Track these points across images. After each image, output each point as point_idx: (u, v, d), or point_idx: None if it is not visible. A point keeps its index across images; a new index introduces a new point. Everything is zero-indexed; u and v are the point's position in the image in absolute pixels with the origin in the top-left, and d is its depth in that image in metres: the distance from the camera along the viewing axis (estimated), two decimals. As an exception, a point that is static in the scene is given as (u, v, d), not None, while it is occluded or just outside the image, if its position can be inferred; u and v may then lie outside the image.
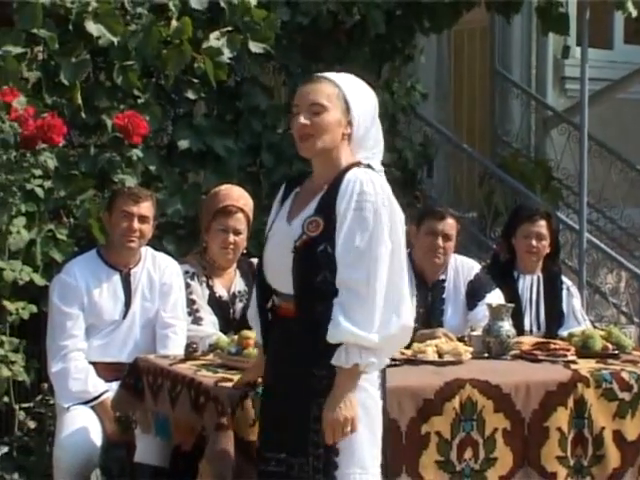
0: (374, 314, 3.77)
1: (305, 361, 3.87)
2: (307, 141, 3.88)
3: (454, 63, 10.64)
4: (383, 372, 3.99)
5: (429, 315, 5.71)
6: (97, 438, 5.17)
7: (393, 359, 4.93)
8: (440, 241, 5.68)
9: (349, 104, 3.92)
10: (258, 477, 4.02)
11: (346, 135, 3.92)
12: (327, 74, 4.02)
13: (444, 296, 5.79)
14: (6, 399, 5.64)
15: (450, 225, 5.72)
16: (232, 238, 5.44)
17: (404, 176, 7.74)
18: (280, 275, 3.92)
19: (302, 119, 3.87)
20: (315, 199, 3.91)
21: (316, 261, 3.83)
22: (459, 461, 4.63)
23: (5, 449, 5.71)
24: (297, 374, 3.88)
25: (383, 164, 7.35)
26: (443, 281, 5.80)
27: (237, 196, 5.54)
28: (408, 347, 5.13)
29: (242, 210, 5.48)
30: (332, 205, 3.83)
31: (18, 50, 5.77)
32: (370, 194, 3.82)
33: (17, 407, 5.73)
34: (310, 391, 3.86)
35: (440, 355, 4.98)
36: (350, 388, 3.80)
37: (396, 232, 3.87)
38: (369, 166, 3.93)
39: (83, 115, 5.97)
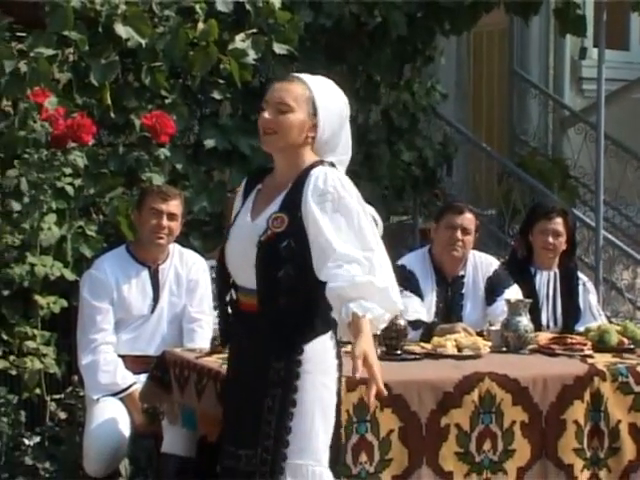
0: (375, 280, 3.71)
1: (266, 354, 3.83)
2: (269, 136, 3.88)
3: (473, 64, 10.63)
4: (340, 369, 3.93)
5: (448, 310, 5.70)
6: (125, 429, 5.18)
7: (413, 353, 4.95)
8: (459, 234, 5.67)
9: (316, 108, 3.89)
10: (221, 473, 3.99)
11: (310, 138, 3.89)
12: (302, 75, 4.00)
13: (463, 292, 5.77)
14: (38, 391, 5.66)
15: (469, 219, 5.71)
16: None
17: (424, 174, 7.73)
18: (243, 270, 3.89)
19: (266, 115, 3.87)
20: (279, 196, 3.88)
21: (280, 256, 3.80)
22: (478, 452, 4.62)
23: (37, 439, 5.73)
24: (257, 367, 3.85)
25: (404, 162, 7.43)
26: (462, 277, 5.78)
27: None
28: (428, 341, 5.14)
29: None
30: (297, 202, 3.80)
31: (50, 52, 5.78)
32: (335, 188, 3.79)
33: (48, 398, 5.75)
34: (266, 382, 3.83)
35: (459, 349, 4.97)
36: (371, 340, 3.72)
37: (367, 214, 3.84)
38: (332, 164, 3.91)
39: (112, 115, 5.98)
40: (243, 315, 3.96)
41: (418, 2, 7.13)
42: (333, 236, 3.73)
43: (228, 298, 4.01)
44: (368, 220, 3.82)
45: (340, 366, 3.92)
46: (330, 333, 3.89)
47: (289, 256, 3.80)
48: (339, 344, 3.93)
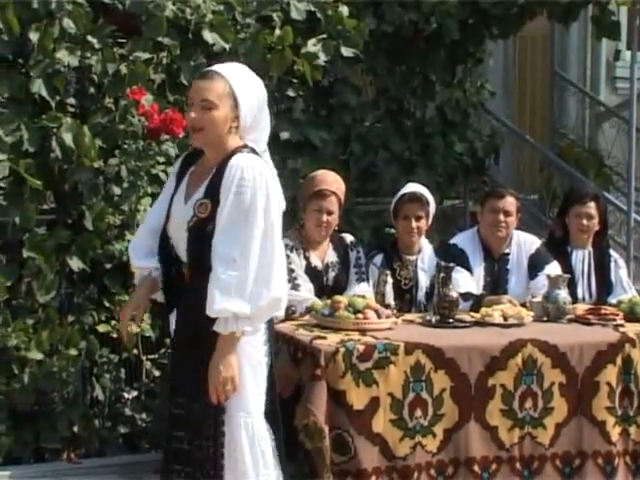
0: (246, 288, 3.69)
1: (203, 321, 3.78)
2: (198, 133, 3.83)
3: (518, 65, 10.52)
4: (270, 331, 3.93)
5: (495, 284, 5.67)
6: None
7: (464, 321, 4.93)
8: (501, 217, 5.64)
9: (237, 100, 3.84)
10: (169, 420, 3.99)
11: (233, 127, 3.85)
12: (219, 69, 3.90)
13: (508, 267, 5.73)
14: (135, 351, 5.72)
15: (509, 202, 5.67)
16: (325, 217, 5.42)
17: (474, 163, 7.66)
18: (180, 248, 3.90)
19: (193, 114, 3.82)
20: (205, 181, 3.85)
21: (207, 239, 3.76)
22: (521, 410, 4.61)
23: (135, 393, 5.79)
24: (198, 331, 3.83)
25: (456, 152, 7.38)
26: (507, 254, 5.74)
27: (331, 181, 5.52)
28: (477, 311, 5.12)
29: (335, 194, 5.45)
30: (218, 188, 3.77)
31: (146, 56, 5.80)
32: (249, 180, 3.74)
33: (144, 358, 5.80)
34: (209, 346, 3.79)
35: (505, 318, 4.95)
36: (229, 351, 3.74)
37: (269, 214, 3.78)
38: (253, 150, 3.87)
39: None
40: (185, 284, 3.93)
41: (470, 10, 7.07)
42: (222, 230, 3.71)
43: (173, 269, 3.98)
44: (270, 208, 3.76)
45: (268, 328, 3.91)
46: None
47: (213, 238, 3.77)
48: None
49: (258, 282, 3.72)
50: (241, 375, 3.82)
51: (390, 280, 5.45)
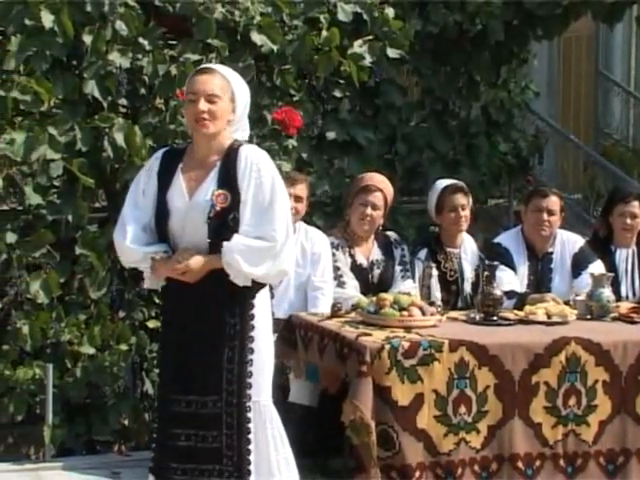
0: (266, 260, 3.84)
1: (220, 312, 3.86)
2: (203, 125, 3.89)
3: (563, 65, 10.47)
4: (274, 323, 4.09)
5: (539, 282, 5.64)
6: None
7: (508, 319, 4.92)
8: (545, 216, 5.60)
9: (234, 95, 3.96)
10: (169, 418, 3.93)
11: (228, 121, 3.95)
12: (216, 66, 4.07)
13: (552, 266, 5.70)
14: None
15: (553, 202, 5.64)
16: (370, 211, 5.43)
17: (518, 163, 7.64)
18: (195, 242, 3.90)
19: (202, 105, 3.87)
20: (210, 174, 3.91)
21: (228, 227, 3.84)
22: (564, 407, 4.58)
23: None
24: (210, 323, 3.88)
25: (500, 152, 7.35)
26: (551, 253, 5.71)
27: (379, 179, 5.55)
28: (521, 309, 5.10)
29: (381, 190, 5.47)
30: (234, 178, 3.87)
31: (196, 57, 5.84)
32: (266, 168, 3.91)
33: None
34: (223, 336, 3.86)
35: (549, 316, 4.92)
36: (211, 267, 3.85)
37: (284, 196, 3.97)
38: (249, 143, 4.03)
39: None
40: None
41: (514, 11, 7.04)
42: (249, 210, 3.84)
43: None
44: (281, 191, 3.94)
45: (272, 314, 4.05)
46: (267, 287, 3.99)
47: (235, 226, 3.86)
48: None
49: (283, 252, 3.87)
50: (264, 362, 3.94)
51: (435, 273, 5.47)
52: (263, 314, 3.99)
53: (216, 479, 3.88)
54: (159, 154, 4.07)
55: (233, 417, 3.87)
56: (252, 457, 3.91)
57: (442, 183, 5.76)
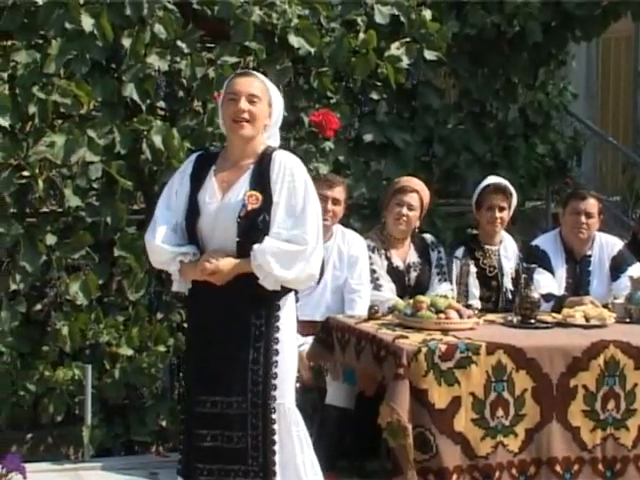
0: (297, 263, 3.85)
1: (245, 313, 3.89)
2: (241, 127, 3.92)
3: (601, 67, 10.40)
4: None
5: (577, 285, 5.61)
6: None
7: (546, 322, 4.90)
8: (583, 218, 5.58)
9: (271, 100, 4.00)
10: (194, 418, 3.94)
11: (265, 125, 3.98)
12: (255, 72, 4.13)
13: (590, 269, 5.67)
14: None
15: (591, 204, 5.61)
16: (405, 211, 5.43)
17: (556, 165, 7.60)
18: (224, 242, 3.91)
19: (243, 104, 3.90)
20: (243, 176, 3.94)
21: (258, 228, 3.86)
22: (603, 411, 4.55)
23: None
24: (236, 325, 3.89)
25: (538, 154, 7.32)
26: (589, 256, 5.68)
27: (416, 182, 5.56)
28: (558, 312, 5.08)
29: (417, 191, 5.47)
30: (267, 181, 3.90)
31: (233, 60, 5.87)
32: (298, 172, 3.93)
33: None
34: (248, 338, 3.88)
35: (587, 319, 4.90)
36: (239, 271, 3.87)
37: (316, 200, 3.99)
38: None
39: (285, 113, 6.01)
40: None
41: (553, 12, 7.01)
42: (282, 213, 3.87)
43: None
44: (313, 196, 3.96)
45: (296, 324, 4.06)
46: (293, 291, 3.98)
47: (265, 228, 3.87)
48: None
49: (313, 256, 3.90)
50: (289, 364, 3.96)
51: (473, 270, 5.47)
52: (288, 317, 4.00)
53: (241, 479, 3.90)
54: (193, 157, 4.11)
55: (258, 418, 3.89)
56: (277, 458, 3.92)
57: (487, 180, 5.75)
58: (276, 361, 3.91)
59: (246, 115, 3.91)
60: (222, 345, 3.91)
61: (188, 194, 3.99)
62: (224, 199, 3.92)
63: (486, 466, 4.38)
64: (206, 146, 5.50)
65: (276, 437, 3.90)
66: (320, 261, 3.99)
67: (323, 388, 5.08)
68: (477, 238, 5.71)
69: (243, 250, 3.88)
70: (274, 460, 3.91)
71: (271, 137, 4.08)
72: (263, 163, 3.94)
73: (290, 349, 3.99)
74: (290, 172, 3.93)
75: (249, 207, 3.87)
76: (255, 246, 3.85)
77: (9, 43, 5.45)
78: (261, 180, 3.91)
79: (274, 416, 3.90)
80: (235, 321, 3.91)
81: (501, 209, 5.61)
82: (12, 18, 5.41)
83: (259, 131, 3.97)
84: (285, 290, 3.95)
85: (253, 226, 3.87)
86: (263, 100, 3.96)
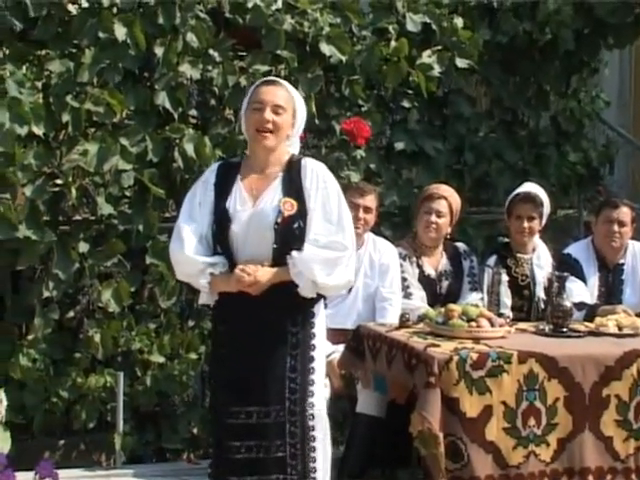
0: (337, 269, 3.88)
1: (282, 321, 3.88)
2: (264, 137, 3.92)
3: (634, 74, 10.33)
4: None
5: (610, 294, 5.59)
6: (326, 391, 5.24)
7: (578, 331, 4.88)
8: (615, 227, 5.55)
9: (296, 109, 4.00)
10: (226, 431, 3.91)
11: (288, 135, 3.99)
12: (280, 80, 4.12)
13: (623, 278, 5.65)
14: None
15: (624, 213, 5.58)
16: (434, 219, 5.43)
17: (589, 173, 7.58)
18: (259, 248, 3.89)
19: (267, 114, 3.90)
20: (274, 183, 3.94)
21: (294, 234, 3.86)
22: (636, 420, 4.53)
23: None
24: (272, 333, 3.88)
25: (570, 162, 7.30)
26: (622, 265, 5.66)
27: (444, 189, 5.56)
28: (591, 321, 5.06)
29: (445, 198, 5.47)
30: (300, 188, 3.91)
31: (265, 68, 5.90)
32: (329, 179, 3.97)
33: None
34: (285, 345, 3.87)
35: (620, 328, 4.88)
36: (278, 279, 3.87)
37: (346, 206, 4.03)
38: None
39: (317, 121, 6.05)
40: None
41: (585, 19, 7.00)
42: (318, 220, 3.89)
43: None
44: (345, 203, 4.00)
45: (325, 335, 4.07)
46: (324, 297, 3.99)
47: (300, 235, 3.88)
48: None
49: (350, 262, 3.94)
50: (322, 370, 3.99)
51: (505, 279, 5.45)
52: (321, 323, 4.03)
53: None
54: (214, 167, 4.10)
55: (297, 426, 3.89)
56: (317, 465, 3.93)
57: (520, 188, 5.73)
58: (312, 367, 3.92)
59: (270, 125, 3.92)
60: (256, 354, 3.90)
61: (213, 204, 3.97)
62: (256, 206, 3.93)
63: (518, 476, 4.37)
64: (239, 153, 5.54)
65: (314, 444, 3.91)
66: (354, 267, 4.01)
67: (354, 396, 5.09)
68: (509, 246, 5.69)
69: (279, 257, 3.88)
70: (314, 467, 3.92)
71: (291, 145, 4.09)
72: (293, 171, 3.96)
73: (323, 355, 4.02)
74: (323, 179, 3.96)
75: (285, 213, 3.88)
76: (294, 253, 3.86)
77: (43, 52, 5.50)
78: (293, 187, 3.93)
79: (312, 423, 3.91)
80: (270, 330, 3.90)
81: (530, 218, 5.58)
82: (46, 28, 5.47)
83: (282, 141, 3.98)
84: (319, 296, 3.97)
85: (290, 232, 3.88)
86: (288, 110, 3.96)
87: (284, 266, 3.87)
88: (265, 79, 4.20)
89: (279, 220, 3.88)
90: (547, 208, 5.69)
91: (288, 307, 3.91)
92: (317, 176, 3.95)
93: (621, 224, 5.55)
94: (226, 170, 4.04)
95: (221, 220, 3.94)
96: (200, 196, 4.00)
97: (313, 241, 3.89)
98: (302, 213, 3.91)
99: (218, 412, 3.99)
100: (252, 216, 3.92)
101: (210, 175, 4.05)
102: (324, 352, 4.06)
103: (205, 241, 3.96)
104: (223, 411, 3.93)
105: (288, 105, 3.97)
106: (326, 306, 4.10)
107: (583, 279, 5.54)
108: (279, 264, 3.89)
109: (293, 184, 3.94)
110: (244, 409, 3.89)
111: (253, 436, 3.88)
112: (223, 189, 3.98)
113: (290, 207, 3.90)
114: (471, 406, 4.30)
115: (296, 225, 3.89)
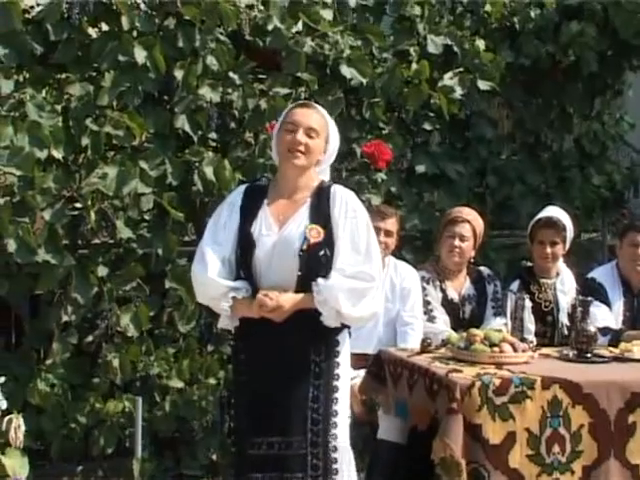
0: (363, 300, 3.82)
1: (305, 349, 3.81)
2: (296, 157, 3.87)
3: (659, 96, 10.29)
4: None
5: (635, 319, 5.54)
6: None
7: (602, 356, 4.84)
8: (641, 251, 5.52)
9: (329, 136, 3.96)
10: (247, 461, 3.85)
11: (319, 160, 3.95)
12: (316, 105, 4.07)
13: (648, 302, 5.61)
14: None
15: (649, 236, 5.55)
16: (457, 243, 5.40)
17: (613, 196, 7.55)
18: (283, 275, 3.84)
19: (300, 136, 3.86)
20: (301, 209, 3.89)
21: (320, 262, 3.82)
22: (662, 448, 4.48)
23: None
24: (295, 362, 3.81)
25: (594, 185, 7.27)
26: (647, 289, 5.62)
27: (467, 212, 5.53)
28: (616, 346, 5.01)
29: (469, 221, 5.44)
30: (327, 215, 3.87)
31: (285, 91, 5.91)
32: (358, 207, 3.93)
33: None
34: (308, 375, 3.81)
35: (645, 354, 4.83)
36: (301, 306, 3.81)
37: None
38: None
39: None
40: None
41: (609, 41, 6.99)
42: (346, 249, 3.85)
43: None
44: (373, 232, 3.99)
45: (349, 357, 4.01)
46: (347, 327, 3.94)
47: (326, 263, 3.83)
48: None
49: (377, 294, 3.90)
50: (346, 401, 3.92)
51: (528, 305, 5.41)
52: (346, 351, 3.97)
53: None
54: (241, 189, 4.05)
55: (319, 458, 3.83)
56: None
57: (543, 212, 5.69)
58: (336, 398, 3.86)
59: (302, 148, 3.88)
60: (278, 383, 3.83)
61: (238, 227, 3.92)
62: (282, 232, 3.87)
63: (542, 503, 4.33)
64: (259, 177, 5.53)
65: (337, 477, 3.85)
66: (381, 298, 3.98)
67: (375, 422, 5.05)
68: (532, 271, 5.66)
69: (303, 284, 3.83)
70: None
71: (322, 172, 4.04)
72: (321, 197, 3.91)
73: (347, 385, 3.95)
74: (352, 208, 3.91)
75: (311, 240, 3.84)
76: (320, 281, 3.80)
77: (63, 76, 5.54)
78: (321, 214, 3.88)
79: (335, 455, 3.85)
80: (293, 358, 3.83)
81: (553, 244, 5.54)
82: (66, 51, 5.50)
83: (312, 164, 3.94)
84: (344, 325, 3.92)
85: (315, 260, 3.83)
86: (321, 135, 3.92)
87: (309, 293, 3.83)
88: (300, 102, 4.21)
89: (304, 247, 3.83)
90: (570, 232, 5.64)
91: (311, 335, 3.85)
92: (346, 204, 3.90)
93: (647, 248, 5.52)
94: (253, 193, 3.99)
95: (245, 244, 3.89)
96: (225, 218, 3.95)
97: (340, 270, 3.83)
98: (329, 241, 3.85)
99: (239, 442, 3.93)
100: (277, 242, 3.87)
101: (236, 197, 4.00)
102: (348, 381, 4.00)
103: (228, 264, 3.91)
104: (244, 441, 3.88)
105: (322, 130, 3.93)
106: (350, 335, 4.04)
107: (608, 304, 5.49)
108: (303, 292, 3.84)
109: (321, 211, 3.89)
110: (266, 439, 3.83)
111: (275, 467, 3.82)
112: (249, 212, 3.93)
113: (316, 234, 3.85)
114: (494, 432, 4.26)
115: (322, 253, 3.84)
